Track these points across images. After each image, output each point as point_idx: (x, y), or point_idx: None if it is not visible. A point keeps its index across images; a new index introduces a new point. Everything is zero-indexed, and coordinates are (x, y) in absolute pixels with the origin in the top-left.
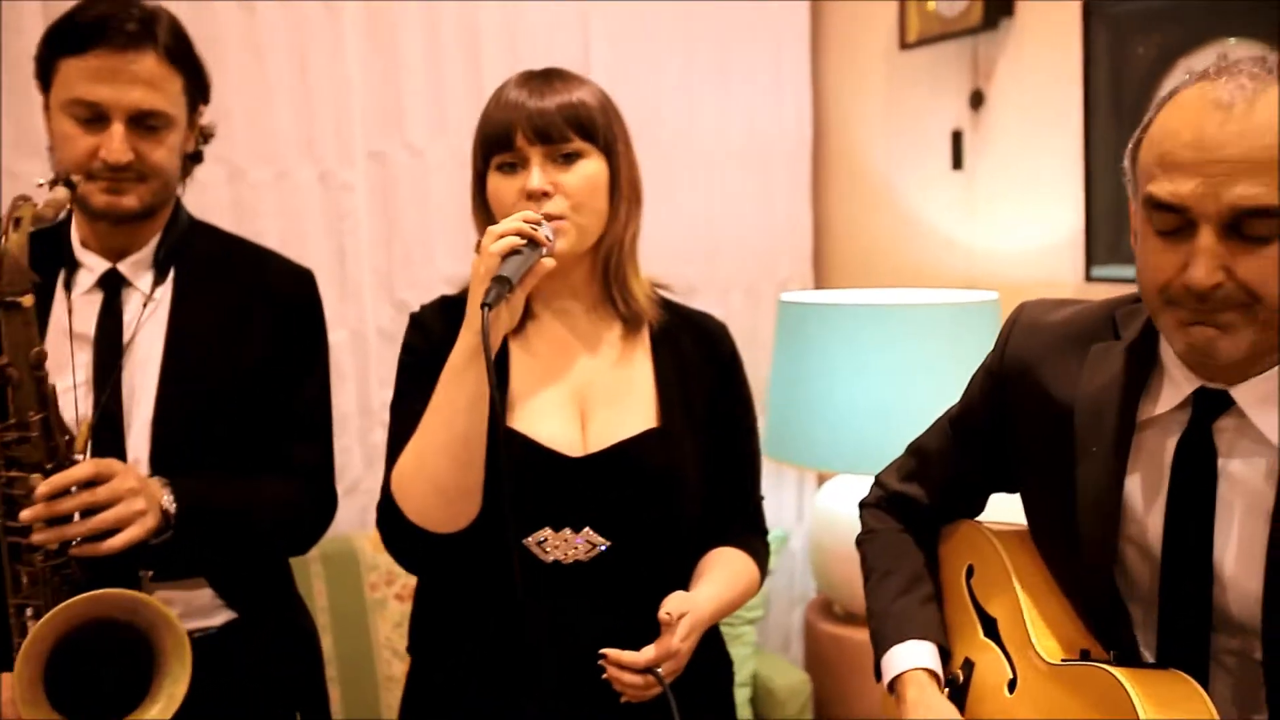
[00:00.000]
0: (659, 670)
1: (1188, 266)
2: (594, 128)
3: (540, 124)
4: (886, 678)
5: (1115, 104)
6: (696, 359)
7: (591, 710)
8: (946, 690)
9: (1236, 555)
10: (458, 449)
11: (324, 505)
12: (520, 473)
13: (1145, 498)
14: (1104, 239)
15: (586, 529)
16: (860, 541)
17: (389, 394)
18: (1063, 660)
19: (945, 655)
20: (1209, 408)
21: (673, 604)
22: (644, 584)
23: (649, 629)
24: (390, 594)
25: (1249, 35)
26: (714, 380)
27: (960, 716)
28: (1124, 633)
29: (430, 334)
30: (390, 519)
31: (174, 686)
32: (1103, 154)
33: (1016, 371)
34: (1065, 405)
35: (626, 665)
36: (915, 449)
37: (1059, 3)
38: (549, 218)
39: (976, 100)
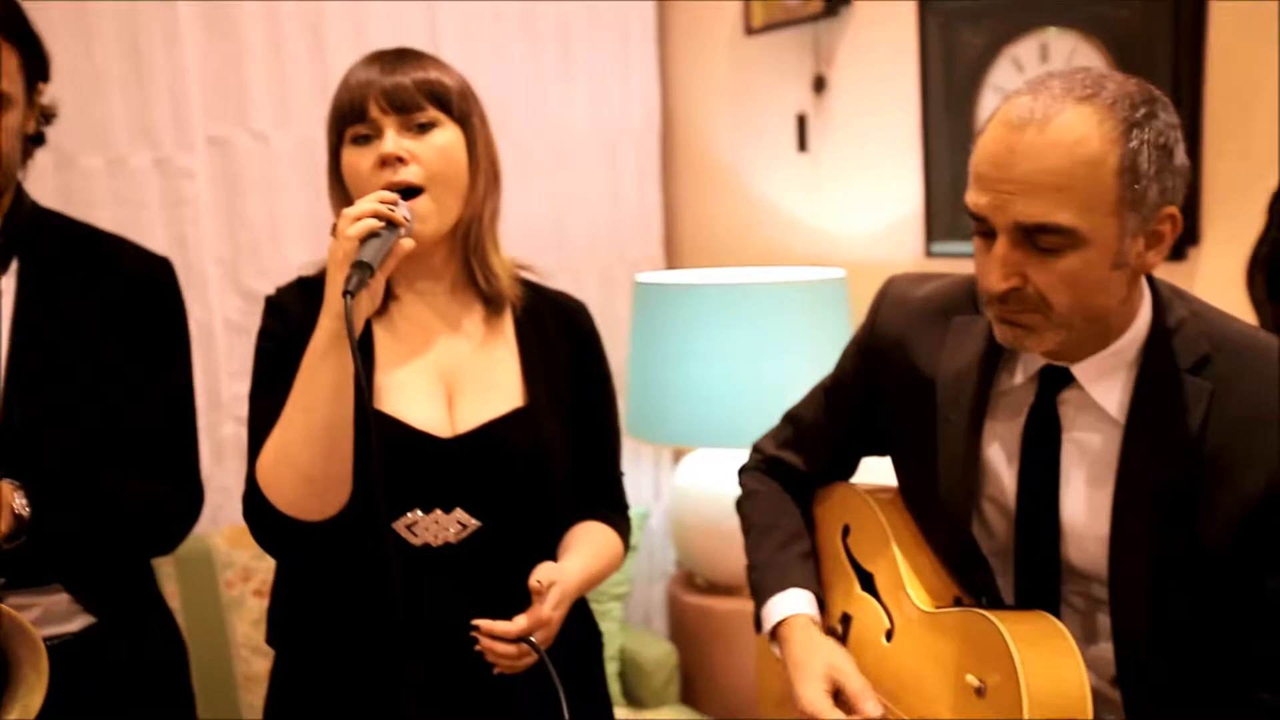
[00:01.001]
0: (532, 639)
1: None
2: (448, 99)
3: (394, 94)
4: (767, 626)
5: (948, 89)
6: (558, 338)
7: (465, 689)
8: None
9: (1079, 513)
10: (322, 437)
11: (189, 501)
12: (389, 455)
13: (1003, 462)
14: (942, 217)
15: (458, 509)
16: (740, 501)
17: (239, 387)
18: (937, 608)
19: (822, 608)
20: (1053, 383)
21: (542, 573)
22: (513, 563)
23: (519, 608)
24: (248, 590)
25: (1067, 26)
26: (575, 358)
27: (842, 651)
28: (986, 581)
29: (288, 318)
30: (257, 510)
31: (29, 696)
32: (939, 136)
33: (885, 344)
34: (929, 376)
35: (499, 635)
36: (791, 416)
37: None
38: (405, 187)
39: (819, 85)
